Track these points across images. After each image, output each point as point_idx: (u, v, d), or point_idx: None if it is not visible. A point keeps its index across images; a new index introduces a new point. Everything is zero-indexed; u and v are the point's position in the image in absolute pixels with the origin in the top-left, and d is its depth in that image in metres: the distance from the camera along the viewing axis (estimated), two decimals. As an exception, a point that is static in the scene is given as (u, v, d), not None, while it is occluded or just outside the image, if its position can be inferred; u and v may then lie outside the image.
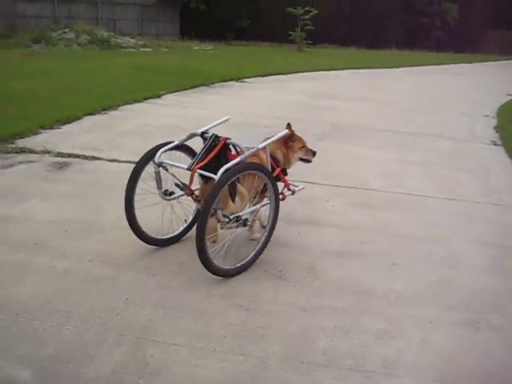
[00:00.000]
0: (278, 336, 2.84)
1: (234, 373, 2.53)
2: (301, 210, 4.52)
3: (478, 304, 3.30)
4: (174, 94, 10.05)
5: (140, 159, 3.64)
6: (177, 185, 3.56)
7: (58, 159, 5.59)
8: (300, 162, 4.05)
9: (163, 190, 3.65)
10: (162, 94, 9.77)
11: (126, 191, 3.59)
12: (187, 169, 3.48)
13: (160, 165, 3.56)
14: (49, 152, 5.79)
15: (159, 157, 3.55)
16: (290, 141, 3.91)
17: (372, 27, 32.28)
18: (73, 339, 2.69)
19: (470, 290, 3.47)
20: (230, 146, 3.60)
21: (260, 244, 3.63)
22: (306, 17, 23.23)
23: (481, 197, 5.38)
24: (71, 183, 4.95)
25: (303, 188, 4.10)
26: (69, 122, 7.19)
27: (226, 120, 4.02)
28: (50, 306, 2.96)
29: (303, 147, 3.99)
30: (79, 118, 7.47)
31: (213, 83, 11.60)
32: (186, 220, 3.94)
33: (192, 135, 3.74)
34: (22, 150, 5.81)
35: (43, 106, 7.98)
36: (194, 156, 3.58)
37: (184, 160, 3.68)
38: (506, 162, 6.91)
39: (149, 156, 3.61)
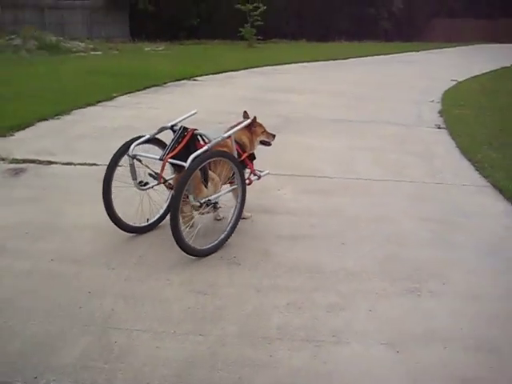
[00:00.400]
0: (234, 316, 3.01)
1: (195, 351, 2.70)
2: (254, 200, 4.68)
3: (420, 274, 3.54)
4: (127, 95, 10.08)
5: (115, 153, 3.86)
6: (150, 174, 3.80)
7: (13, 165, 5.61)
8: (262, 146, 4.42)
9: (138, 180, 3.86)
10: (115, 97, 9.80)
11: (103, 183, 3.81)
12: (159, 159, 3.72)
13: (134, 157, 3.79)
14: (3, 159, 5.80)
15: (133, 150, 3.78)
16: (252, 126, 4.25)
17: (321, 20, 32.68)
18: (39, 333, 2.81)
19: (414, 263, 3.71)
20: (198, 137, 3.84)
21: (229, 226, 3.89)
22: (256, 13, 23.37)
23: (426, 177, 5.67)
24: (28, 188, 5.00)
25: (268, 173, 4.38)
26: (22, 129, 7.16)
27: (194, 114, 4.24)
28: (13, 304, 3.06)
29: (264, 131, 4.37)
30: (32, 124, 7.44)
31: (165, 83, 11.66)
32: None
33: (162, 129, 3.97)
34: (-24, 159, 5.82)
35: (-7, 115, 7.93)
36: (165, 148, 3.81)
37: (157, 152, 3.86)
38: (450, 143, 7.24)
39: (123, 149, 3.83)
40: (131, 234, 3.99)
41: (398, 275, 3.53)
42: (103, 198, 3.81)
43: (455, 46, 31.10)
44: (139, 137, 3.89)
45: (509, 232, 4.34)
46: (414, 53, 25.49)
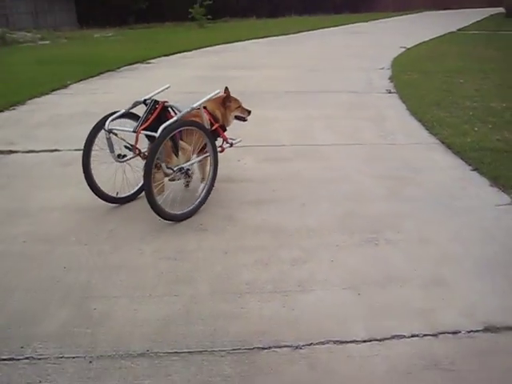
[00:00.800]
0: (205, 276, 3.20)
1: (171, 311, 2.88)
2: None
3: (377, 226, 3.79)
4: (81, 82, 10.05)
5: (92, 128, 4.05)
6: (126, 147, 4.03)
7: (-26, 157, 5.64)
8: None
9: (116, 153, 4.05)
10: (69, 84, 9.75)
11: (83, 157, 4.02)
12: (133, 131, 3.94)
13: (110, 131, 3.99)
14: (-38, 152, 5.81)
15: (108, 124, 3.97)
16: (227, 101, 4.46)
17: (270, -4, 32.75)
18: (20, 308, 2.93)
19: (370, 217, 3.96)
20: (169, 109, 4.06)
21: (204, 192, 4.15)
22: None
23: (378, 139, 5.93)
24: (-9, 177, 5.05)
25: (241, 140, 4.63)
26: (-23, 122, 7.15)
27: (167, 88, 4.47)
28: (-8, 284, 3.18)
29: (239, 107, 4.59)
30: (-13, 117, 7.43)
31: (118, 68, 11.63)
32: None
33: (136, 103, 4.18)
34: None
35: None
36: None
37: (132, 126, 4.06)
38: (400, 106, 7.54)
39: (100, 124, 4.02)
40: (99, 212, 4.12)
41: (356, 228, 3.77)
42: (83, 170, 4.01)
43: (404, 15, 31.58)
44: (115, 112, 4.08)
45: (456, 183, 4.63)
46: (363, 23, 25.87)
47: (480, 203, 4.18)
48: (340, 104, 7.74)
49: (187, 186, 4.43)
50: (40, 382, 2.38)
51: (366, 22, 26.76)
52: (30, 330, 2.73)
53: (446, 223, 3.86)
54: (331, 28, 22.71)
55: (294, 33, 20.18)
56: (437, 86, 8.86)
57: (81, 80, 10.15)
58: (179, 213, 3.93)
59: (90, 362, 2.50)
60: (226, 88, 4.51)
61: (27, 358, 2.52)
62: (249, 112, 4.66)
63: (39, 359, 2.51)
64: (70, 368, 2.46)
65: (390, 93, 8.47)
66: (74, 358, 2.52)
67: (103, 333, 2.70)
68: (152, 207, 3.72)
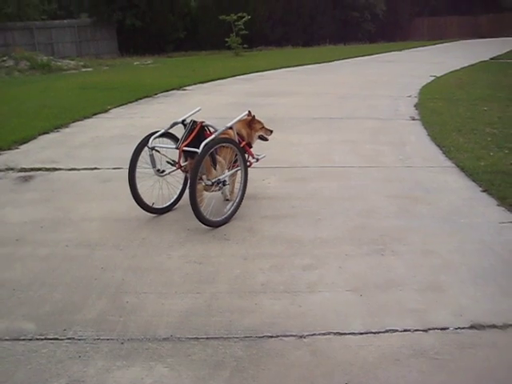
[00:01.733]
0: (225, 278, 3.59)
1: (193, 305, 3.28)
2: (241, 189, 5.28)
3: (385, 239, 4.13)
4: (121, 107, 10.67)
5: (137, 145, 4.55)
6: (168, 162, 4.56)
7: (22, 174, 6.18)
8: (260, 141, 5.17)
9: (157, 168, 4.55)
10: (109, 109, 10.38)
11: (129, 172, 4.48)
12: (176, 148, 4.48)
13: (153, 148, 4.49)
14: (12, 169, 6.36)
15: (151, 142, 4.48)
16: (252, 122, 5.00)
17: (305, 26, 33.43)
18: (63, 300, 3.37)
19: (380, 230, 4.30)
20: (206, 128, 4.59)
21: (236, 201, 4.65)
22: (239, 22, 24.02)
23: (397, 162, 6.27)
24: (38, 191, 5.56)
25: (265, 156, 5.13)
26: (25, 142, 7.73)
27: (198, 110, 4.98)
28: (39, 280, 3.63)
29: (262, 128, 5.10)
30: (34, 138, 8.01)
31: (155, 94, 12.26)
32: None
33: (174, 124, 4.69)
34: (-13, 170, 6.38)
35: (-3, 131, 8.48)
36: (177, 140, 4.56)
37: (170, 144, 4.62)
38: (422, 132, 7.85)
39: (143, 142, 4.54)
40: (134, 223, 4.57)
41: (365, 240, 4.11)
42: (129, 183, 4.47)
43: (437, 44, 31.82)
44: (155, 132, 4.59)
45: (465, 202, 4.93)
46: (396, 52, 26.21)
47: (484, 220, 4.48)
48: (364, 129, 8.10)
49: (228, 199, 4.89)
50: (80, 357, 2.79)
51: (400, 50, 27.10)
52: (71, 316, 3.17)
53: (449, 237, 4.17)
54: (365, 57, 23.14)
55: (327, 61, 20.68)
56: (460, 114, 9.15)
57: (120, 105, 10.78)
58: (217, 220, 4.42)
59: (122, 343, 2.91)
60: (249, 112, 5.01)
61: (69, 339, 2.95)
62: (271, 132, 5.16)
63: (79, 340, 2.94)
64: (104, 348, 2.87)
65: (413, 119, 8.80)
66: (108, 339, 2.94)
67: (134, 321, 3.11)
68: (196, 215, 4.21)
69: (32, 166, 6.41)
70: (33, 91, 13.51)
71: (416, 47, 29.19)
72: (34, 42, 26.21)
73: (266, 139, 5.17)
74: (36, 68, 20.35)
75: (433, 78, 14.55)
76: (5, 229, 4.57)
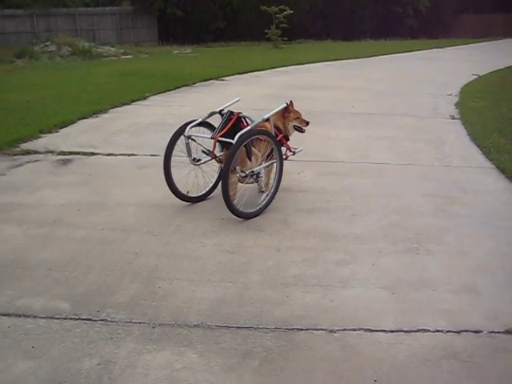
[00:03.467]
0: (258, 268, 3.60)
1: (225, 294, 3.29)
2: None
3: (420, 237, 4.08)
4: (159, 95, 10.76)
5: (174, 133, 4.57)
6: (203, 151, 4.56)
7: (61, 157, 6.29)
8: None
9: (192, 157, 4.57)
10: (148, 96, 10.48)
11: (164, 159, 4.52)
12: (211, 138, 4.47)
13: (189, 137, 4.52)
14: (52, 152, 6.49)
15: (188, 131, 4.50)
16: (286, 112, 4.92)
17: (346, 19, 33.05)
18: (97, 282, 3.43)
19: (415, 229, 4.25)
20: (242, 119, 4.56)
21: (270, 194, 4.62)
22: (280, 15, 23.89)
23: (435, 161, 6.17)
24: (76, 175, 5.66)
25: (302, 149, 5.07)
26: (65, 126, 7.87)
27: (237, 101, 4.97)
28: (74, 262, 3.70)
29: (297, 118, 5.01)
30: (74, 122, 8.15)
31: (194, 83, 12.33)
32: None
33: (212, 113, 4.70)
34: (28, 152, 6.50)
35: (39, 114, 8.64)
36: (213, 130, 4.54)
37: (207, 133, 4.61)
38: (461, 132, 7.72)
39: (180, 131, 4.56)
40: (169, 210, 4.61)
41: (399, 238, 4.07)
42: (164, 171, 4.51)
43: (481, 42, 31.12)
44: (192, 120, 4.61)
45: (504, 205, 4.83)
46: (438, 49, 25.72)
47: (523, 224, 4.39)
48: (402, 127, 8.00)
49: (263, 191, 4.85)
50: (112, 338, 2.85)
51: (442, 48, 26.59)
52: (105, 299, 3.22)
53: (485, 239, 4.09)
54: (405, 53, 22.78)
55: (366, 56, 20.43)
56: (502, 114, 8.95)
57: (159, 93, 10.88)
58: (249, 211, 4.41)
59: (153, 327, 2.95)
60: (291, 102, 4.96)
61: (102, 320, 3.01)
62: (307, 123, 5.07)
63: (111, 321, 2.99)
64: (136, 331, 2.92)
65: (453, 118, 8.64)
66: (139, 323, 2.98)
67: (165, 306, 3.15)
68: (227, 204, 4.20)
69: (71, 150, 6.53)
70: (73, 76, 13.72)
71: (459, 45, 28.60)
72: (76, 28, 26.55)
73: (303, 131, 5.08)
74: (77, 54, 20.66)
75: (475, 76, 14.26)
76: (43, 210, 4.66)
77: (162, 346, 2.80)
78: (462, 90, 11.91)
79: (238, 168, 4.30)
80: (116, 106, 9.44)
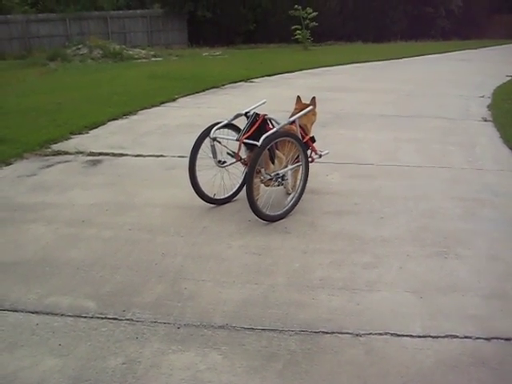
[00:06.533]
0: (284, 270, 3.58)
1: (250, 295, 3.28)
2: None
3: (449, 241, 4.01)
4: (188, 97, 10.81)
5: (199, 135, 4.57)
6: (228, 153, 4.54)
7: (91, 158, 6.37)
8: None
9: (217, 159, 4.56)
10: (177, 98, 10.55)
11: (189, 161, 4.54)
12: (236, 139, 4.45)
13: (214, 139, 4.50)
14: (82, 152, 6.57)
15: (213, 133, 4.49)
16: (312, 113, 5.03)
17: (377, 21, 32.77)
18: (123, 281, 3.46)
19: (444, 233, 4.17)
20: (268, 121, 4.54)
21: (296, 196, 4.59)
22: (309, 16, 23.83)
23: (465, 164, 6.07)
24: (105, 175, 5.72)
25: (328, 152, 5.05)
26: (95, 127, 7.97)
27: (263, 103, 4.97)
28: (101, 261, 3.73)
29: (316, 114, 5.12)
30: (104, 124, 8.25)
31: (223, 85, 12.35)
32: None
33: (238, 115, 4.69)
34: (58, 153, 6.60)
35: (69, 115, 8.76)
36: (239, 131, 4.51)
37: (233, 135, 4.59)
38: (494, 134, 7.57)
39: (205, 133, 4.55)
40: (196, 211, 4.62)
41: (428, 242, 4.01)
42: (189, 173, 4.52)
43: (515, 43, 30.55)
44: (218, 122, 4.60)
45: (537, 209, 4.72)
46: (471, 50, 25.34)
47: (557, 229, 4.28)
48: (432, 129, 7.88)
49: (290, 193, 4.79)
50: (137, 338, 2.86)
51: (475, 49, 26.20)
52: (130, 298, 3.24)
53: (517, 244, 4.01)
54: (437, 54, 22.49)
55: (397, 58, 20.22)
56: (536, 116, 8.76)
57: (188, 94, 10.93)
58: (274, 214, 4.39)
59: (178, 328, 2.95)
60: (313, 97, 5.10)
61: (127, 320, 3.02)
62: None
63: (137, 321, 3.01)
64: (161, 331, 2.93)
65: (485, 121, 8.49)
66: (165, 323, 2.99)
67: (191, 307, 3.15)
68: (251, 205, 4.18)
69: (100, 151, 6.60)
70: (104, 78, 13.89)
71: (492, 46, 28.13)
72: (107, 31, 26.90)
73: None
74: (108, 56, 20.91)
75: (509, 78, 13.98)
76: (72, 210, 4.72)
77: (187, 347, 2.80)
78: (495, 91, 11.69)
79: (262, 171, 4.28)
80: (145, 108, 9.52)
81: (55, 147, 6.86)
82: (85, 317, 3.06)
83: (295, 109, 5.01)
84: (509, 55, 22.79)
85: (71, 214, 4.61)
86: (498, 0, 37.98)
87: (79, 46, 22.24)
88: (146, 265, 3.67)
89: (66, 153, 6.58)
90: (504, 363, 2.66)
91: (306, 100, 5.13)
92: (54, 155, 6.52)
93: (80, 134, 7.61)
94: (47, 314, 3.10)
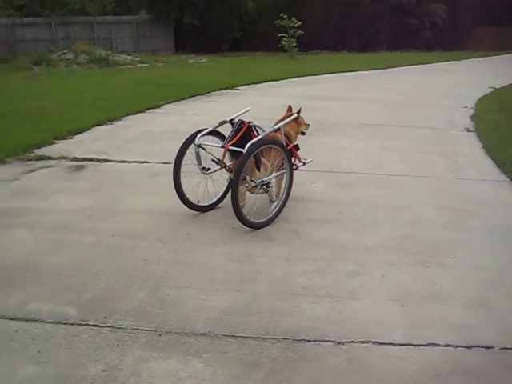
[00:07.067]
0: (267, 278, 3.58)
1: (233, 303, 3.27)
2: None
3: (432, 250, 4.03)
4: (173, 103, 10.80)
5: (184, 142, 4.57)
6: (213, 160, 4.53)
7: (74, 163, 6.33)
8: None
9: (202, 166, 4.55)
10: (162, 104, 10.52)
11: (174, 168, 4.51)
12: (221, 147, 4.45)
13: (199, 146, 4.49)
14: (65, 158, 6.52)
15: (198, 139, 4.48)
16: (296, 121, 5.02)
17: (362, 31, 33.02)
18: (105, 288, 3.43)
19: (427, 242, 4.20)
20: (253, 128, 4.55)
21: (280, 204, 4.59)
22: (295, 25, 23.97)
23: (449, 174, 6.11)
24: (88, 181, 5.68)
25: (312, 160, 5.06)
26: (79, 133, 7.92)
27: (248, 110, 4.96)
28: (84, 267, 3.70)
29: (304, 123, 5.15)
30: (88, 129, 8.20)
31: (208, 92, 12.36)
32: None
33: (222, 122, 4.68)
34: (42, 158, 6.55)
35: (54, 120, 8.71)
36: (224, 139, 4.51)
37: (217, 142, 4.59)
38: (476, 144, 7.64)
39: (190, 139, 4.54)
40: (179, 217, 4.60)
41: (411, 251, 4.02)
42: (174, 179, 4.50)
43: (498, 55, 30.93)
44: (203, 129, 4.58)
45: (518, 219, 4.77)
46: (455, 62, 25.61)
47: (539, 239, 4.32)
48: (417, 139, 7.95)
49: (274, 201, 4.80)
50: (118, 345, 2.83)
51: (459, 60, 26.46)
52: (112, 305, 3.21)
53: (500, 253, 4.03)
54: (421, 65, 22.67)
55: (382, 68, 20.36)
56: (518, 127, 8.86)
57: (173, 101, 10.92)
58: (258, 221, 4.38)
59: (160, 335, 2.93)
60: (289, 106, 5.14)
61: (109, 327, 3.00)
62: (308, 125, 5.27)
63: (118, 328, 2.98)
64: (142, 338, 2.90)
65: (468, 131, 8.57)
66: (146, 330, 2.97)
67: (173, 314, 3.13)
68: (235, 212, 4.17)
69: (84, 156, 6.56)
70: (89, 84, 13.84)
71: (476, 57, 28.45)
72: (93, 36, 26.82)
73: (304, 133, 5.26)
74: (94, 62, 20.86)
75: (491, 89, 14.14)
76: (55, 215, 4.68)
77: (168, 354, 2.78)
78: (478, 102, 11.82)
79: (247, 178, 4.28)
80: (130, 114, 9.49)
81: (38, 152, 6.81)
82: (65, 323, 3.03)
83: (284, 117, 5.02)
84: (491, 67, 23.06)
85: (54, 220, 4.57)
86: (481, 13, 38.50)
87: (65, 51, 22.16)
88: (128, 271, 3.64)
89: (50, 158, 6.53)
90: (484, 372, 2.68)
91: (295, 110, 5.13)
92: (37, 160, 6.47)
93: (64, 139, 7.56)
94: (27, 320, 3.06)
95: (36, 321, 3.05)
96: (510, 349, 2.86)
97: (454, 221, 4.68)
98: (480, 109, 10.85)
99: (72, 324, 3.02)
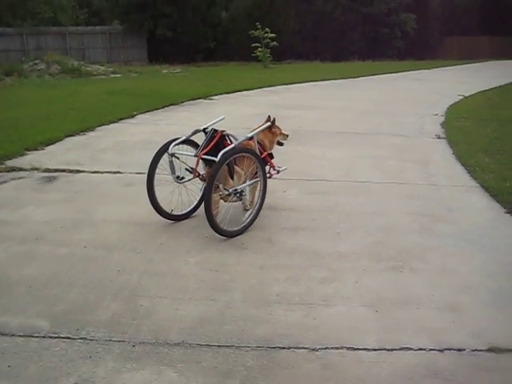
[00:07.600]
0: (241, 286, 3.58)
1: (207, 312, 3.27)
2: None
3: (404, 256, 4.08)
4: (147, 113, 10.75)
5: (157, 151, 4.54)
6: (186, 169, 4.52)
7: (46, 174, 6.24)
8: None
9: (176, 175, 4.53)
10: (135, 115, 10.46)
11: (147, 177, 4.49)
12: (194, 155, 4.47)
13: (173, 155, 4.48)
14: (37, 169, 6.44)
15: (172, 148, 4.47)
16: (272, 127, 5.03)
17: (335, 40, 33.38)
18: (78, 299, 3.39)
19: (399, 247, 4.24)
20: (226, 137, 4.56)
21: (254, 212, 4.59)
22: (268, 36, 24.13)
23: (420, 180, 6.20)
24: (61, 192, 5.61)
25: (286, 168, 5.09)
26: (51, 144, 7.82)
27: (222, 119, 4.97)
28: (55, 279, 3.65)
29: (281, 133, 5.16)
30: (60, 140, 8.10)
31: (182, 102, 12.33)
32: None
33: (196, 131, 4.69)
34: (13, 169, 6.45)
35: (25, 131, 8.58)
36: (197, 147, 4.54)
37: (191, 151, 4.60)
38: (447, 151, 7.76)
39: (164, 148, 4.53)
40: (153, 227, 4.57)
41: (383, 256, 4.07)
42: (147, 189, 4.48)
43: (467, 63, 31.49)
44: (176, 138, 4.59)
45: (489, 223, 4.85)
46: (425, 70, 25.95)
47: (508, 242, 4.40)
48: (389, 146, 8.04)
49: (247, 209, 4.79)
50: (90, 357, 2.80)
51: (429, 69, 26.84)
52: (85, 316, 3.18)
53: (470, 257, 4.10)
54: (393, 74, 22.97)
55: (354, 77, 20.57)
56: (487, 134, 9.04)
57: (146, 111, 10.87)
58: (232, 230, 4.38)
59: (133, 346, 2.91)
60: (269, 116, 5.09)
61: (81, 339, 2.96)
62: (287, 136, 5.24)
63: (91, 340, 2.95)
64: (116, 349, 2.88)
65: (439, 138, 8.70)
66: (120, 341, 2.94)
67: (146, 324, 3.11)
68: (209, 223, 4.18)
69: (56, 167, 6.48)
70: (62, 94, 13.71)
71: (445, 66, 28.91)
72: (66, 46, 26.64)
73: (282, 144, 5.26)
74: (66, 72, 20.69)
75: (461, 97, 14.41)
76: (26, 227, 4.61)
77: (142, 365, 2.75)
78: (448, 110, 12.02)
79: (220, 186, 4.28)
80: (103, 124, 9.41)
81: (9, 163, 6.71)
82: (36, 336, 2.98)
83: (259, 126, 5.02)
84: (460, 75, 23.45)
85: (25, 232, 4.51)
86: (450, 23, 39.27)
87: (36, 62, 21.93)
88: (101, 282, 3.61)
89: (21, 169, 6.44)
90: (456, 374, 2.71)
91: (263, 118, 5.16)
92: (7, 171, 6.37)
93: (36, 150, 7.46)
94: (-3, 334, 3.01)
95: (5, 335, 3.00)
96: (480, 351, 2.91)
97: (426, 226, 4.74)
98: (450, 116, 11.04)
99: (43, 337, 2.98)
